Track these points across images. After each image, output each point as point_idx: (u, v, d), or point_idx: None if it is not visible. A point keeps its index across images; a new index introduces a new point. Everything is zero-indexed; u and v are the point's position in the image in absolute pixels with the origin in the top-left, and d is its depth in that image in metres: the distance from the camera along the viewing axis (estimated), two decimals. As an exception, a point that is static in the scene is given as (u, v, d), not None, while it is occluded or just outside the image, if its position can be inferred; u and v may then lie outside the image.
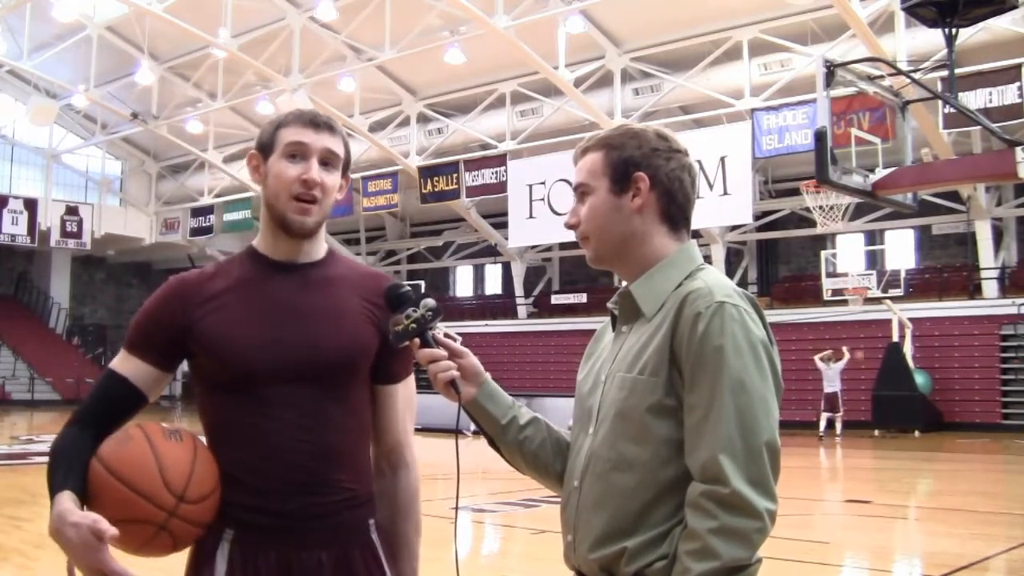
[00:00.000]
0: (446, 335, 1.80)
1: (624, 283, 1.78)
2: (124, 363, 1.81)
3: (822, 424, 18.66)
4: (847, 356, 18.80)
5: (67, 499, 1.61)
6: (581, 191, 1.76)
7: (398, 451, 1.94)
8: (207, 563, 1.74)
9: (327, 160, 1.82)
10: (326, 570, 1.76)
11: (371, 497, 1.88)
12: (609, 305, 1.79)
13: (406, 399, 1.95)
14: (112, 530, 1.56)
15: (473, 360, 1.79)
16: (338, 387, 1.82)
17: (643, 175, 1.70)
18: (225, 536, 1.74)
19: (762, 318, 1.62)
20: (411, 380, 1.98)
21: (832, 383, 18.55)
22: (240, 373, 1.75)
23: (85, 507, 1.64)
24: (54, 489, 1.63)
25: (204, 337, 1.77)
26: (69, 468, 1.67)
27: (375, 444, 1.94)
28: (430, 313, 1.73)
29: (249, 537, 1.74)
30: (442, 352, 1.74)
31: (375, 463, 1.94)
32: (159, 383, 1.83)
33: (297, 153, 1.80)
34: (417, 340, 1.74)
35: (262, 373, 1.75)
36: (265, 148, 1.84)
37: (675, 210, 1.72)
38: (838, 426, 18.68)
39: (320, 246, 1.89)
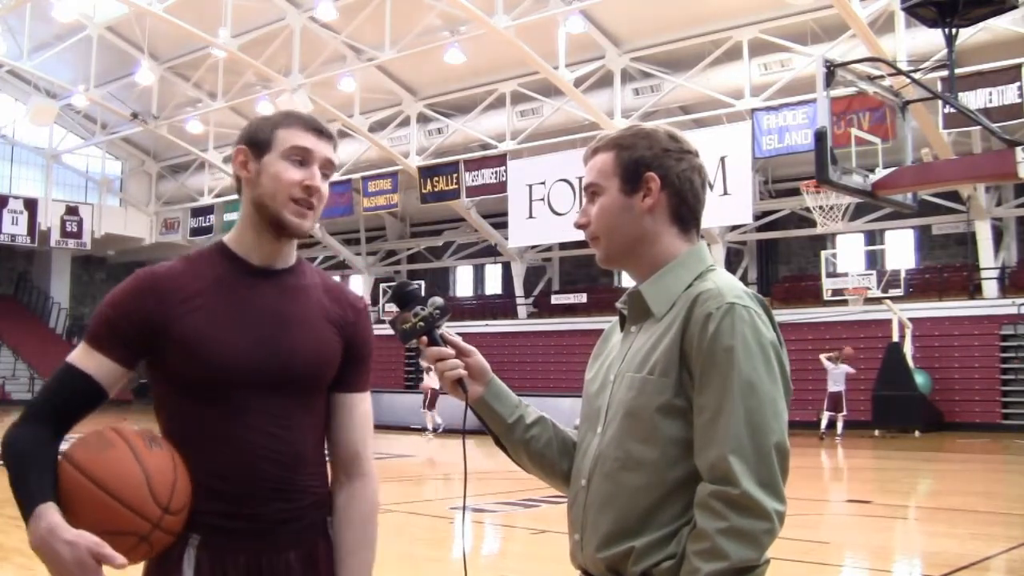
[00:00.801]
0: (448, 334, 1.79)
1: (628, 283, 1.79)
2: (86, 358, 1.71)
3: (823, 423, 18.66)
4: (851, 368, 18.77)
5: (54, 511, 1.55)
6: (592, 191, 1.76)
7: (357, 462, 1.90)
8: (173, 570, 1.70)
9: (325, 169, 1.82)
10: (295, 570, 1.76)
11: (329, 495, 1.88)
12: (618, 305, 1.79)
13: (365, 412, 1.93)
14: (121, 559, 1.51)
15: (480, 359, 1.79)
16: (307, 394, 1.81)
17: (654, 175, 1.70)
18: (191, 542, 1.71)
19: (772, 320, 1.64)
20: (369, 395, 1.96)
21: (837, 383, 18.54)
22: (222, 379, 1.72)
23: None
24: (32, 498, 1.56)
25: (184, 338, 1.71)
26: (42, 475, 1.60)
27: (333, 454, 1.92)
28: (438, 311, 1.73)
29: (217, 542, 1.71)
30: (450, 351, 1.75)
31: (333, 473, 1.92)
32: (121, 380, 1.75)
33: (301, 158, 1.78)
34: (425, 338, 1.74)
35: (243, 379, 1.73)
36: (260, 145, 1.80)
37: (685, 211, 1.73)
38: (839, 426, 18.67)
39: (294, 252, 1.87)
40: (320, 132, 1.81)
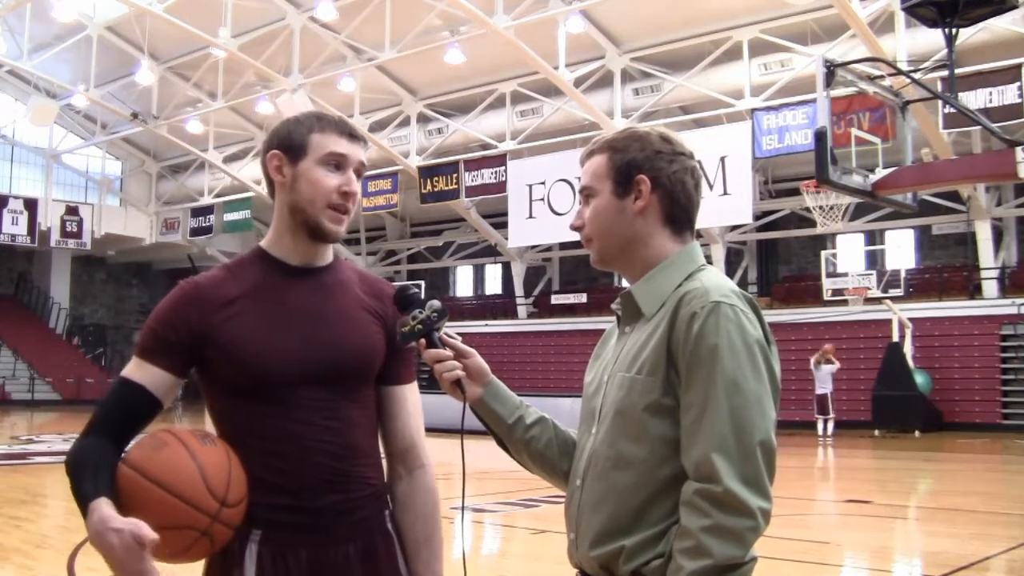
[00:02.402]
0: (448, 335, 1.81)
1: (627, 283, 1.80)
2: (139, 371, 1.78)
3: (820, 428, 18.69)
4: (837, 364, 18.77)
5: (106, 505, 1.59)
6: (586, 193, 1.78)
7: (413, 453, 1.95)
8: (236, 565, 1.75)
9: (358, 172, 1.86)
10: (354, 563, 1.80)
11: (386, 489, 1.92)
12: (613, 306, 1.81)
13: (415, 401, 1.98)
14: (152, 535, 1.54)
15: (479, 361, 1.81)
16: (355, 388, 1.85)
17: (645, 178, 1.71)
18: (252, 537, 1.75)
19: (760, 318, 1.64)
20: (416, 385, 2.00)
21: (823, 385, 18.58)
22: (268, 378, 1.76)
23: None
24: (87, 496, 1.60)
25: (227, 343, 1.76)
26: (97, 475, 1.64)
27: (388, 447, 1.96)
28: (436, 314, 1.77)
29: (279, 536, 1.76)
30: (447, 352, 1.78)
31: (390, 466, 1.96)
32: (174, 389, 1.81)
33: (338, 164, 1.82)
34: (423, 340, 1.77)
35: (289, 378, 1.77)
36: (295, 150, 1.82)
37: (678, 212, 1.74)
38: (829, 427, 18.72)
39: (330, 250, 1.92)
40: (353, 136, 1.85)
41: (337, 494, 1.79)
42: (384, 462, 1.96)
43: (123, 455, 1.70)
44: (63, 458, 1.73)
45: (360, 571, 1.81)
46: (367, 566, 1.82)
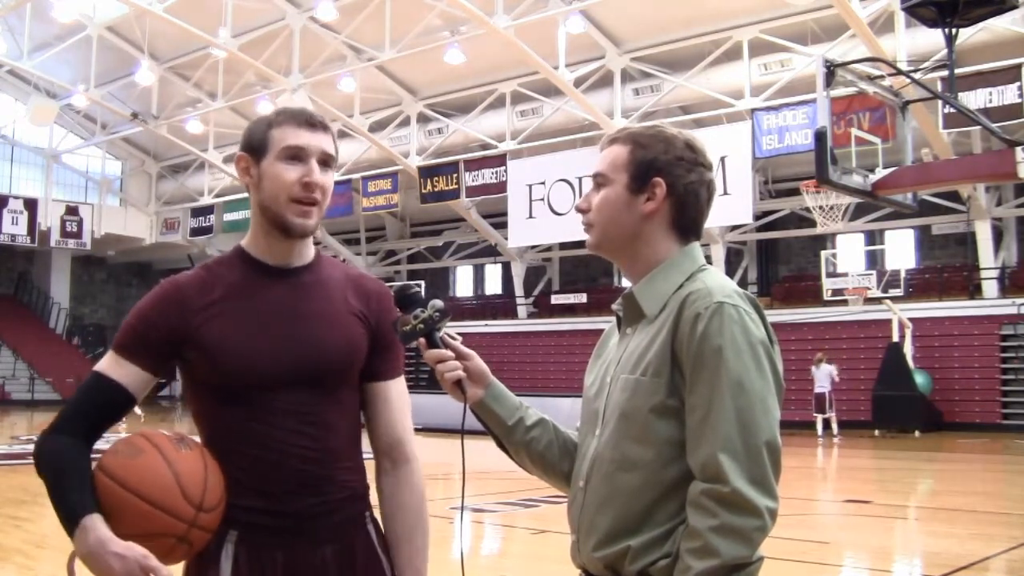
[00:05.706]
0: (449, 336, 1.81)
1: (627, 283, 1.80)
2: (114, 366, 1.76)
3: (819, 426, 18.68)
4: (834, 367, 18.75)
5: (101, 523, 1.58)
6: (598, 180, 1.77)
7: (399, 448, 1.93)
8: (211, 566, 1.74)
9: (324, 161, 1.81)
10: (331, 566, 1.79)
11: (367, 490, 1.90)
12: (614, 307, 1.81)
13: (400, 396, 1.95)
14: (166, 570, 1.55)
15: (479, 363, 1.81)
16: (335, 389, 1.83)
17: (661, 181, 1.71)
18: (228, 538, 1.74)
19: (763, 318, 1.63)
20: (403, 379, 1.98)
21: (821, 384, 18.58)
22: (245, 380, 1.75)
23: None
24: (77, 511, 1.60)
25: (207, 344, 1.75)
26: (83, 485, 1.63)
27: (374, 442, 1.94)
28: (438, 314, 1.75)
29: (254, 538, 1.75)
30: (449, 353, 1.77)
31: (376, 462, 1.94)
32: (148, 387, 1.80)
33: (296, 156, 1.78)
34: (424, 340, 1.76)
35: (267, 380, 1.76)
36: (257, 149, 1.80)
37: (686, 222, 1.74)
38: (833, 426, 18.70)
39: (310, 248, 1.89)
40: (312, 124, 1.81)
41: (314, 497, 1.77)
42: (371, 460, 1.93)
43: (99, 461, 1.68)
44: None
45: (336, 574, 1.79)
46: (344, 569, 1.80)
